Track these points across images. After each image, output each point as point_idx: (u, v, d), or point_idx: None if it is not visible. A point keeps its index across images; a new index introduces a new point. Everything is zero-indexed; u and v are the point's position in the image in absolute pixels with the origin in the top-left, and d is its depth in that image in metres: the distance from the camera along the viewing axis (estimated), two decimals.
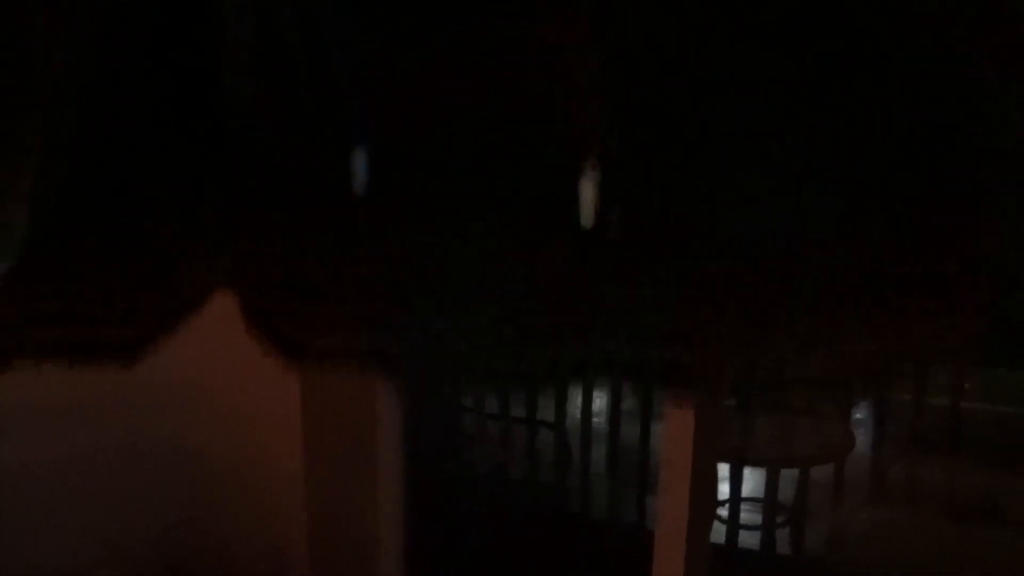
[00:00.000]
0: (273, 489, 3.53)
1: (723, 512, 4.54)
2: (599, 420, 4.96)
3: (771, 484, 4.58)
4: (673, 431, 3.14)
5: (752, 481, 4.76)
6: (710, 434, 3.19)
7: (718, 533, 4.30)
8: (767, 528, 4.63)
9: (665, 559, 3.19)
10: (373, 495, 3.49)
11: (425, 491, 3.76)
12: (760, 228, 1.02)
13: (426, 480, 3.81)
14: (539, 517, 4.58)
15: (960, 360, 4.34)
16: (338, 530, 3.48)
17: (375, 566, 3.54)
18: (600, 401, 4.91)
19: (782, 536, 4.60)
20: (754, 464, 4.52)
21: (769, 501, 4.60)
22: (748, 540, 4.62)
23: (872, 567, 4.19)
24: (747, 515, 4.65)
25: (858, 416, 5.06)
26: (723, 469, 4.42)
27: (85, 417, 3.38)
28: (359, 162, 1.08)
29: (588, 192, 1.02)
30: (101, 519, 3.37)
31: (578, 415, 4.85)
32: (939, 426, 4.43)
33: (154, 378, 3.54)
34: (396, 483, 3.61)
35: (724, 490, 4.50)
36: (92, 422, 3.41)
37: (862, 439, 4.70)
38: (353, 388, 3.44)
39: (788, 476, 4.58)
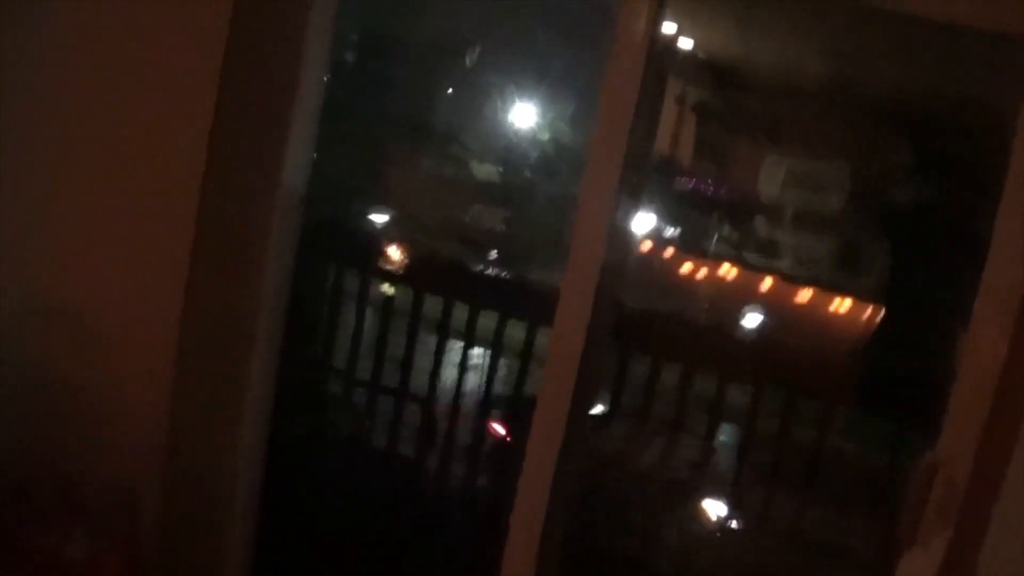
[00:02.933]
0: (134, 426, 3.46)
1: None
2: (469, 402, 4.95)
3: None
4: (542, 428, 3.14)
5: None
6: (579, 434, 3.20)
7: None
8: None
9: (517, 551, 3.19)
10: (234, 444, 3.44)
11: (285, 447, 3.72)
12: None
13: (288, 437, 3.77)
14: (396, 489, 4.56)
15: (831, 398, 4.42)
16: (194, 475, 3.42)
17: (227, 514, 3.49)
18: (476, 383, 4.89)
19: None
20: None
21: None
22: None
23: None
24: None
25: (722, 438, 5.11)
26: None
27: None
28: None
29: None
30: None
31: (449, 394, 4.83)
32: (801, 458, 4.48)
33: (23, 301, 3.46)
34: (259, 436, 3.57)
35: None
36: None
37: (725, 460, 4.76)
38: (229, 335, 3.39)
39: None
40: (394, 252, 5.39)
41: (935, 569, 2.47)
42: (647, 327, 4.71)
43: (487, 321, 4.76)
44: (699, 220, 8.17)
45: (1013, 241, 2.42)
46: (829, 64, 6.20)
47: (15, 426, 3.47)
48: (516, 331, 4.71)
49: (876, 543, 4.27)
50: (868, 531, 4.45)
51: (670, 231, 8.28)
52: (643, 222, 6.80)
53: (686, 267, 7.90)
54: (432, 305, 4.82)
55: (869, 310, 6.81)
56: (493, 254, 8.33)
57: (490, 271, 7.46)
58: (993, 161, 2.55)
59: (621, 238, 3.16)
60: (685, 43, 6.58)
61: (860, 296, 6.95)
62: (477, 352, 4.92)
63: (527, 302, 4.80)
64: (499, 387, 4.84)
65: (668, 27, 2.99)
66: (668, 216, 8.15)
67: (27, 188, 3.44)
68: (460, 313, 4.78)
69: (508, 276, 7.34)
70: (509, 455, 4.55)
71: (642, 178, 3.21)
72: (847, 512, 4.67)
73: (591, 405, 3.43)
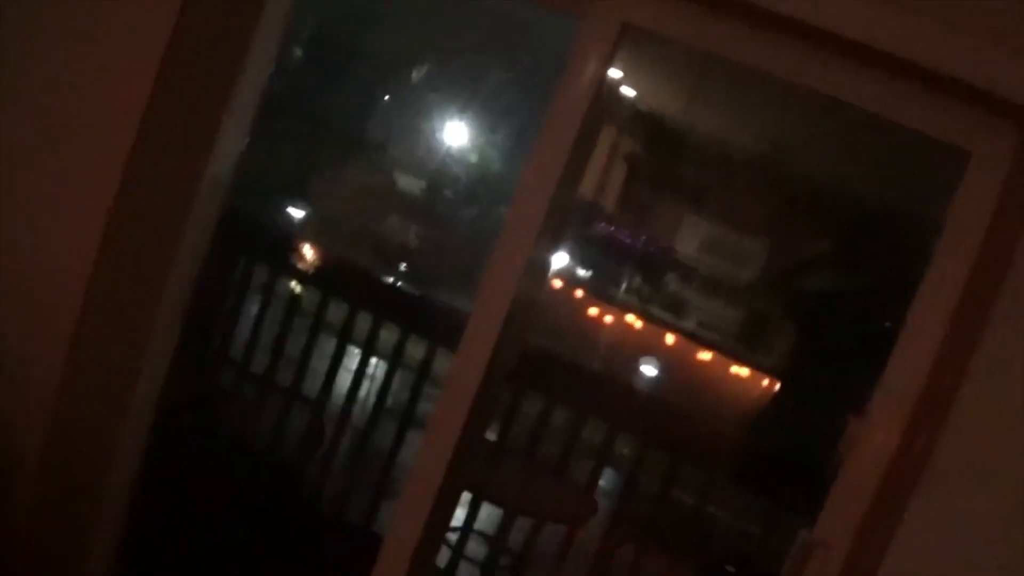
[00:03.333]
0: (23, 394, 3.40)
1: (451, 537, 4.55)
2: (359, 413, 4.91)
3: (504, 526, 4.60)
4: (432, 446, 3.14)
5: (488, 517, 4.76)
6: (465, 459, 3.20)
7: (441, 557, 4.29)
8: (488, 566, 4.65)
9: (389, 567, 3.18)
10: (120, 424, 3.40)
11: (169, 434, 3.68)
12: None
13: (173, 424, 3.71)
14: (271, 490, 4.51)
15: (713, 466, 4.45)
16: (76, 450, 3.37)
17: (102, 494, 3.44)
18: (366, 393, 4.86)
19: None
20: (494, 503, 4.53)
21: (497, 541, 4.63)
22: (467, 572, 4.63)
23: None
24: (474, 547, 4.67)
25: (602, 484, 5.12)
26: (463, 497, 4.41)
27: None
28: None
29: None
30: None
31: (340, 402, 4.78)
32: (678, 522, 4.51)
33: None
34: (146, 420, 3.53)
35: (458, 517, 4.49)
36: None
37: (602, 509, 4.76)
38: (131, 314, 3.35)
39: (523, 523, 4.62)
40: (306, 252, 5.36)
41: None
42: (545, 366, 4.73)
43: (388, 334, 4.73)
44: (611, 268, 8.24)
45: (920, 340, 2.48)
46: (767, 144, 6.30)
47: None
48: (415, 348, 4.69)
49: None
50: None
51: (581, 273, 8.34)
52: (557, 261, 6.85)
53: (592, 311, 7.96)
54: (336, 310, 4.78)
55: (764, 383, 6.90)
56: (402, 267, 8.33)
57: (398, 284, 7.45)
58: (910, 262, 2.60)
59: (536, 274, 3.17)
60: (627, 92, 6.67)
61: (757, 368, 7.04)
62: (374, 362, 4.89)
63: (430, 321, 4.79)
64: (392, 400, 4.80)
65: (613, 73, 3.01)
66: (581, 259, 8.22)
67: None
68: (363, 321, 4.74)
69: (414, 292, 7.32)
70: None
71: (564, 218, 3.22)
72: None
73: (482, 433, 3.43)
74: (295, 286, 5.27)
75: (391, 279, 7.61)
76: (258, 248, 4.79)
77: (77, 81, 3.30)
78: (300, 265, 5.24)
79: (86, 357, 3.30)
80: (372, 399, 4.77)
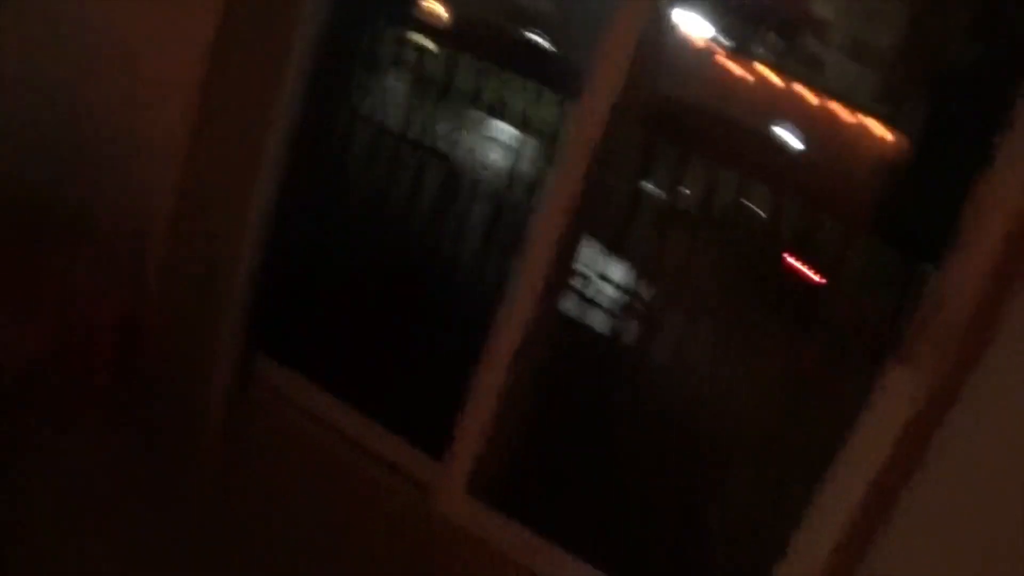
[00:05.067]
0: (150, 163, 3.47)
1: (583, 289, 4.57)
2: (489, 166, 4.90)
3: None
4: (557, 190, 3.17)
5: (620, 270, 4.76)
6: (590, 206, 3.22)
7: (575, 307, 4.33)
8: (619, 316, 4.67)
9: (516, 312, 3.25)
10: (248, 190, 3.46)
11: (299, 193, 3.72)
12: None
13: (302, 181, 3.75)
14: (403, 245, 4.55)
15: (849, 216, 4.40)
16: (203, 219, 3.45)
17: (232, 261, 3.52)
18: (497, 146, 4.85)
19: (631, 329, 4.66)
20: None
21: (631, 292, 4.63)
22: (597, 320, 4.66)
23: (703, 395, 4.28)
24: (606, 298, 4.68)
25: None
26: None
27: None
28: None
29: None
30: None
31: (473, 156, 4.78)
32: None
33: (54, 24, 3.43)
34: (274, 185, 3.58)
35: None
36: None
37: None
38: (256, 79, 3.37)
39: None
40: (432, 8, 5.30)
41: (922, 390, 2.51)
42: (680, 115, 4.66)
43: (521, 98, 4.68)
44: (746, 25, 8.05)
45: None
46: None
47: (35, 148, 3.49)
48: (549, 113, 4.64)
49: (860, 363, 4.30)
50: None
51: (711, 28, 8.18)
52: (688, 17, 6.71)
53: (724, 64, 7.82)
54: (467, 73, 4.72)
55: (900, 141, 6.74)
56: (532, 27, 8.25)
57: (530, 40, 7.36)
58: None
59: (662, 22, 3.13)
60: None
61: (893, 126, 6.88)
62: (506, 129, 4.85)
63: (563, 74, 4.72)
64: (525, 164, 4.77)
65: None
66: (713, 16, 8.04)
67: None
68: (493, 89, 4.68)
69: (547, 47, 7.23)
70: None
71: None
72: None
73: (608, 180, 3.42)
74: (425, 43, 5.23)
75: (520, 36, 7.53)
76: (384, 8, 4.73)
77: None
78: (428, 21, 5.18)
79: (213, 124, 3.35)
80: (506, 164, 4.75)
